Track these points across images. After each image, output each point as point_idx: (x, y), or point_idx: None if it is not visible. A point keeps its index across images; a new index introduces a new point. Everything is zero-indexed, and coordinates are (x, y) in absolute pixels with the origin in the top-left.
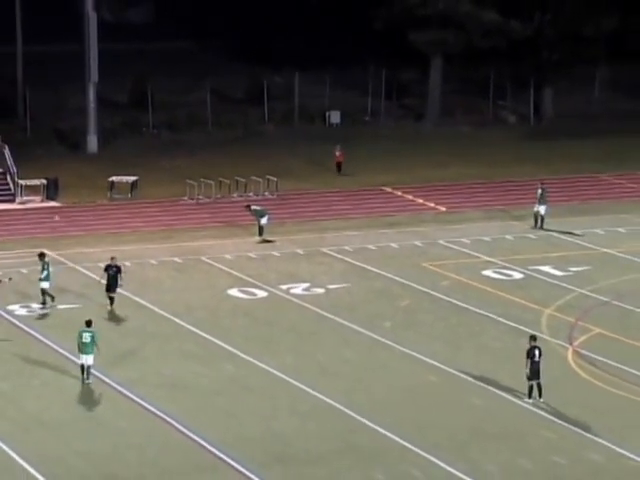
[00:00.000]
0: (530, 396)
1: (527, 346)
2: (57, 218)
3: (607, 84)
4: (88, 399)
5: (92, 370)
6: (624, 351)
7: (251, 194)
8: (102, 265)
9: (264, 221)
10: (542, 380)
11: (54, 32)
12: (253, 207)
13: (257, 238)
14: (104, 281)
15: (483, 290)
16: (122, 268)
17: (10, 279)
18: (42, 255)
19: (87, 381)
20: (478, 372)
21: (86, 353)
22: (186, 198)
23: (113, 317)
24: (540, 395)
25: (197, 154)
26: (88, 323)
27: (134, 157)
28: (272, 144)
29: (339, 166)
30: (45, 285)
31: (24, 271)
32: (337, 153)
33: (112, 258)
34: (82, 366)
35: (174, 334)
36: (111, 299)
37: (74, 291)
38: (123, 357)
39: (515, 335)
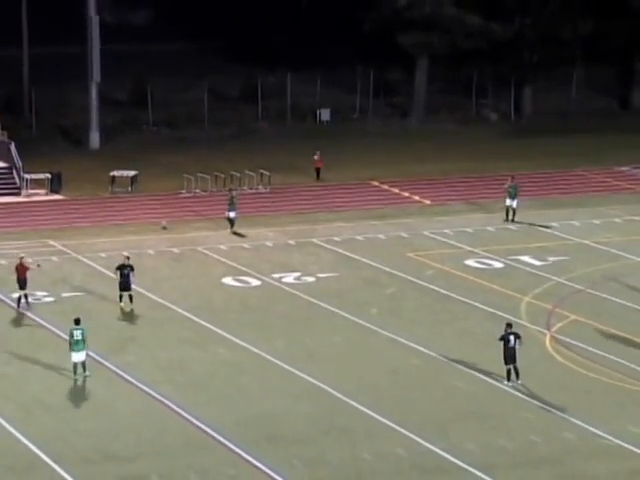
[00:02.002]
0: (509, 379)
1: (503, 333)
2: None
3: (583, 84)
4: (89, 382)
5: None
6: (598, 336)
7: (245, 188)
8: (104, 255)
9: (233, 214)
10: (520, 364)
11: (58, 34)
12: (235, 193)
13: (228, 230)
14: (116, 277)
15: (465, 279)
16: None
17: (39, 265)
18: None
19: (86, 374)
20: (460, 356)
21: (78, 350)
22: (184, 192)
23: (112, 304)
24: (517, 377)
25: (194, 150)
26: (77, 321)
27: (134, 153)
28: (266, 140)
29: (318, 172)
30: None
31: (30, 260)
32: (316, 158)
33: (127, 257)
34: (75, 365)
35: (171, 320)
36: (130, 297)
37: (77, 280)
38: (122, 342)
39: (495, 321)
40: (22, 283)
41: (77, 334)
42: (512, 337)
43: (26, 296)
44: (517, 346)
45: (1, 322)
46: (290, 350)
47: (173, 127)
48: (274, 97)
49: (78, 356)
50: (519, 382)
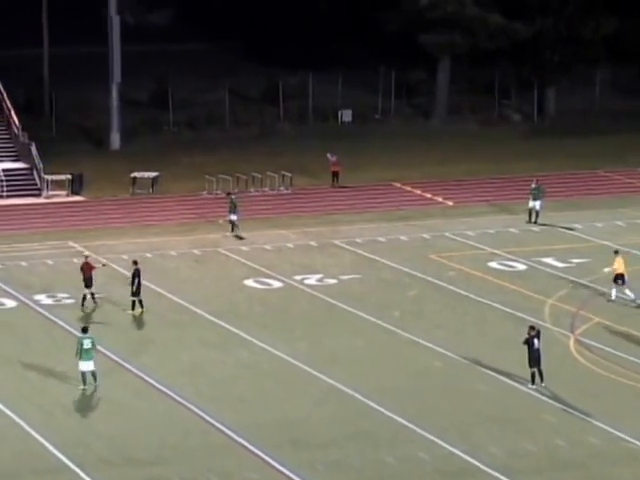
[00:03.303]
0: (533, 382)
1: (526, 336)
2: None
3: (607, 84)
4: (110, 385)
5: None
6: (622, 339)
7: (267, 189)
8: (125, 257)
9: (233, 217)
10: (544, 366)
11: (79, 34)
12: (233, 197)
13: (228, 234)
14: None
15: (488, 280)
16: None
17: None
18: None
19: (96, 384)
20: (482, 359)
21: (89, 359)
22: (205, 193)
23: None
24: (542, 380)
25: (215, 151)
26: (85, 329)
27: (155, 154)
28: (287, 141)
29: (336, 176)
30: None
31: (50, 262)
32: (332, 160)
33: (135, 262)
34: (83, 374)
35: (192, 322)
36: (141, 302)
37: (98, 282)
38: (143, 344)
39: (518, 324)
40: (88, 282)
41: (87, 343)
42: (535, 340)
43: (92, 295)
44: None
45: (23, 324)
46: (312, 352)
47: (194, 128)
48: (295, 98)
49: (87, 365)
50: (543, 385)
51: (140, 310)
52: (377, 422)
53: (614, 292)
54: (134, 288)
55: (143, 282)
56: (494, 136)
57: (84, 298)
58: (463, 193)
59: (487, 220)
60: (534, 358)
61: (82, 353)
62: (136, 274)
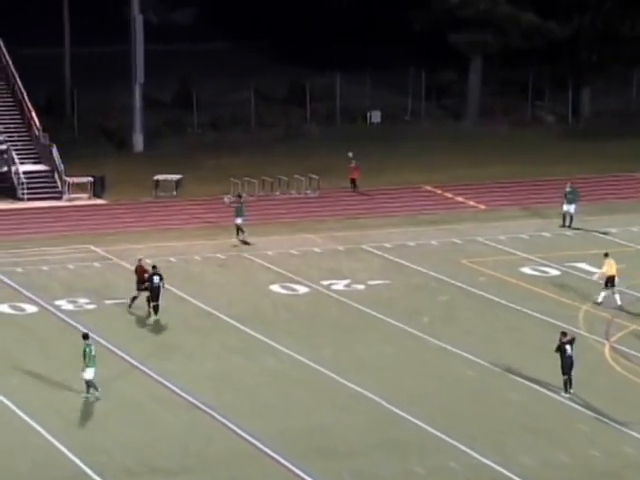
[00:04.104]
0: (566, 390)
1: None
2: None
3: None
4: (131, 392)
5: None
6: None
7: (293, 192)
8: (148, 261)
9: (239, 221)
10: (578, 374)
11: (101, 33)
12: (243, 198)
13: (234, 239)
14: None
15: (520, 286)
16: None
17: (154, 267)
18: None
19: (89, 394)
20: (515, 366)
21: (94, 366)
22: (230, 196)
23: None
24: (570, 386)
25: (240, 153)
26: (87, 336)
27: (178, 156)
28: (314, 143)
29: (354, 182)
30: None
31: (71, 267)
32: (352, 165)
33: (154, 266)
34: (88, 381)
35: (216, 328)
36: (155, 308)
37: (120, 287)
38: (166, 351)
39: (552, 330)
40: (141, 285)
41: (93, 349)
42: (568, 346)
43: (148, 298)
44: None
45: (43, 330)
46: (339, 360)
47: (218, 129)
48: (323, 98)
49: (92, 372)
50: (571, 392)
51: (154, 317)
52: (406, 431)
53: (602, 295)
54: (151, 293)
55: (168, 287)
56: (527, 138)
57: (133, 299)
58: (495, 196)
59: (520, 224)
60: (567, 365)
61: (90, 360)
62: (150, 279)
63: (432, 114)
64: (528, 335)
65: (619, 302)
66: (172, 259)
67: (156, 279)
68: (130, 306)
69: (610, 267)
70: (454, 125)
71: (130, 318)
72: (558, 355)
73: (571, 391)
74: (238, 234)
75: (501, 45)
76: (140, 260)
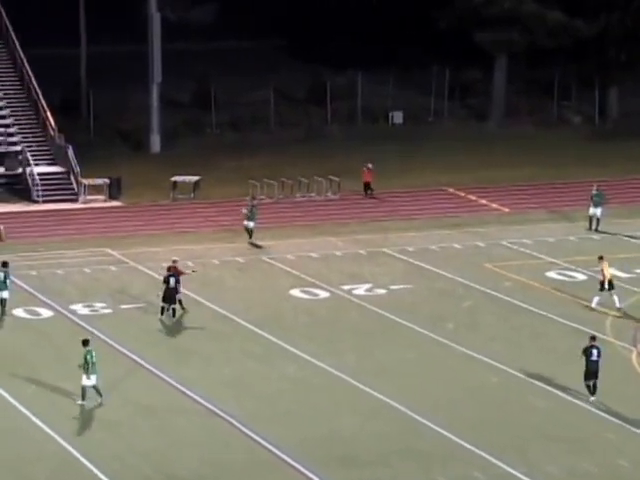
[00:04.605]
0: (592, 393)
1: (585, 345)
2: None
3: None
4: (149, 398)
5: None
6: None
7: (313, 194)
8: (165, 265)
9: (251, 223)
10: (604, 381)
11: (117, 32)
12: (255, 202)
13: (246, 242)
14: (160, 293)
15: (546, 291)
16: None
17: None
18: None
19: (84, 402)
20: (540, 373)
21: (95, 373)
22: (249, 198)
23: (175, 316)
24: (594, 393)
25: (259, 154)
26: (87, 342)
27: (197, 157)
28: (335, 144)
29: (367, 186)
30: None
31: (87, 270)
32: (365, 170)
33: (168, 268)
34: (85, 388)
35: (235, 333)
36: (173, 310)
37: (136, 291)
38: (183, 356)
39: (578, 336)
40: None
41: (94, 355)
42: (595, 351)
43: (180, 301)
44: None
45: (58, 335)
46: (361, 366)
47: (237, 130)
48: (344, 98)
49: (93, 379)
50: (593, 398)
51: (172, 319)
52: (429, 439)
53: (596, 300)
54: (165, 295)
55: (184, 291)
56: (553, 139)
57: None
58: (520, 199)
59: (545, 228)
60: (592, 371)
61: (91, 366)
62: (167, 279)
63: (456, 114)
64: (554, 341)
65: (618, 304)
66: (190, 263)
67: (172, 281)
68: (172, 311)
69: (606, 270)
70: (478, 125)
71: (146, 323)
72: (583, 359)
73: (592, 398)
74: (250, 237)
75: (527, 43)
76: (175, 261)
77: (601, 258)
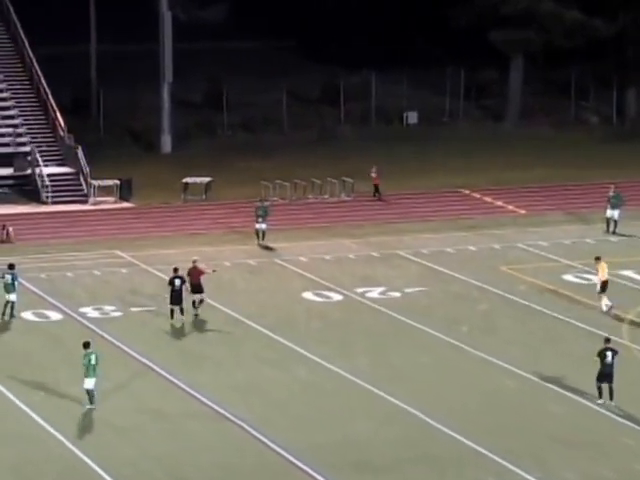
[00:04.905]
0: (601, 396)
1: (600, 347)
2: None
3: None
4: (160, 403)
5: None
6: None
7: (327, 196)
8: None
9: (263, 225)
10: (621, 386)
11: (128, 31)
12: (266, 204)
13: (259, 243)
14: (167, 296)
15: (563, 294)
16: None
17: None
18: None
19: (93, 406)
20: (557, 378)
21: (96, 376)
22: (267, 200)
23: (186, 319)
24: (611, 398)
25: (272, 155)
26: (88, 344)
27: (208, 158)
28: (348, 145)
29: (376, 188)
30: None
31: (96, 273)
32: (373, 175)
33: (176, 269)
34: (89, 391)
35: (247, 337)
36: (181, 310)
37: (147, 293)
38: (195, 360)
39: (595, 340)
40: (195, 288)
41: (93, 358)
42: (610, 353)
43: (201, 301)
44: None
45: (68, 338)
46: (375, 370)
47: (250, 131)
48: (357, 99)
49: (92, 382)
50: (612, 403)
51: (181, 317)
52: (443, 445)
53: (604, 302)
54: (172, 296)
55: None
56: (570, 140)
57: (193, 303)
58: (536, 201)
59: (562, 230)
60: (606, 373)
61: (90, 370)
62: (172, 281)
63: (471, 115)
64: (570, 345)
65: (605, 308)
66: (201, 265)
67: (177, 282)
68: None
69: (604, 271)
70: (494, 126)
71: (157, 326)
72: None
73: (612, 403)
74: (263, 238)
75: (544, 43)
76: (195, 261)
77: (598, 259)
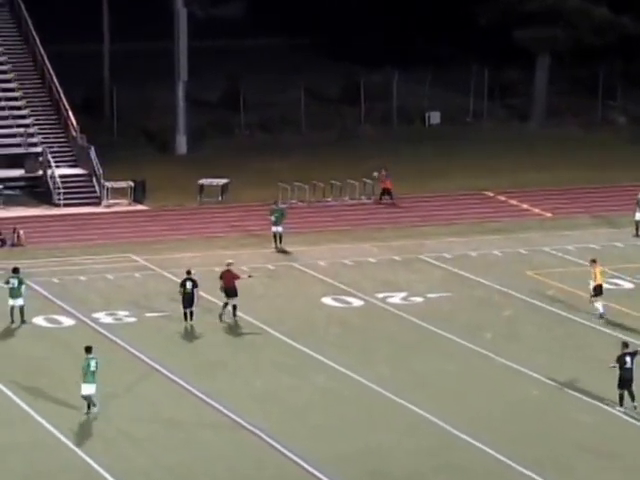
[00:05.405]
0: (621, 404)
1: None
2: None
3: None
4: (175, 411)
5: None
6: None
7: (347, 198)
8: (192, 271)
9: (280, 228)
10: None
11: (142, 28)
12: (280, 206)
13: (277, 246)
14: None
15: (590, 300)
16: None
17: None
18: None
19: (94, 410)
20: (584, 386)
21: (93, 382)
22: (280, 202)
23: (203, 326)
24: (633, 399)
25: (290, 156)
26: (89, 349)
27: (225, 159)
28: (369, 146)
29: (387, 192)
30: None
31: (110, 277)
32: (379, 175)
33: (188, 272)
34: (86, 397)
35: (265, 344)
36: (191, 314)
37: (162, 299)
38: (211, 368)
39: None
40: (229, 292)
41: (93, 364)
42: (629, 358)
43: (234, 307)
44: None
45: (80, 344)
46: (396, 378)
47: (267, 131)
48: (378, 98)
49: (91, 388)
50: (635, 405)
51: (190, 322)
52: (467, 454)
53: (599, 305)
54: (183, 299)
55: (214, 300)
56: (597, 141)
57: (224, 306)
58: (563, 203)
59: (589, 234)
60: (625, 378)
61: (88, 375)
62: (184, 283)
63: (495, 115)
64: (598, 352)
65: (601, 310)
66: (217, 269)
67: (189, 285)
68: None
69: (598, 275)
70: (519, 127)
71: (172, 332)
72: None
73: (634, 405)
74: (280, 242)
75: (570, 41)
76: (229, 264)
77: (594, 261)
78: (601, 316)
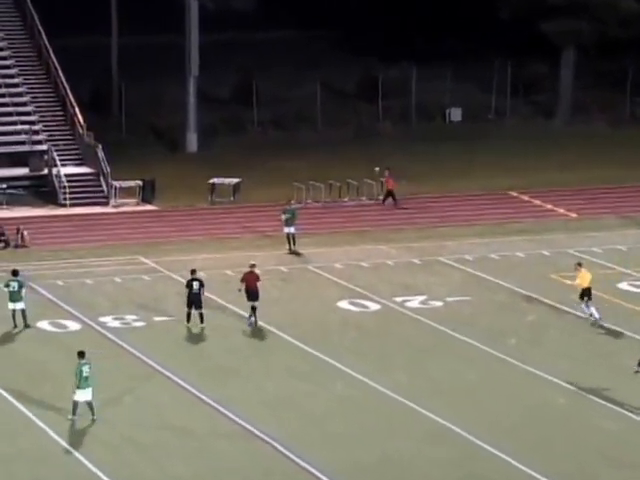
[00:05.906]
0: None
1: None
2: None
3: None
4: (184, 419)
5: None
6: None
7: (364, 198)
8: (202, 274)
9: (292, 229)
10: None
11: (151, 21)
12: (294, 206)
13: (291, 248)
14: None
15: (617, 304)
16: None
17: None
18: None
19: (94, 417)
20: (611, 393)
21: (87, 387)
22: (293, 202)
23: (214, 330)
24: None
25: (305, 154)
26: (82, 354)
27: (237, 157)
28: (387, 144)
29: (392, 196)
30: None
31: (117, 280)
32: (385, 178)
33: (193, 271)
34: (76, 404)
35: (279, 349)
36: (201, 316)
37: (171, 302)
38: (223, 374)
39: None
40: (251, 293)
41: (86, 370)
42: None
43: (254, 308)
44: None
45: (86, 349)
46: (415, 385)
47: (281, 128)
48: (397, 94)
49: (85, 394)
50: None
51: (201, 325)
52: (489, 464)
53: (593, 310)
54: (188, 300)
55: (224, 304)
56: (624, 138)
57: (253, 310)
58: (589, 204)
59: (616, 235)
60: None
61: (81, 381)
62: (189, 284)
63: (519, 112)
64: (624, 358)
65: (597, 316)
66: (229, 272)
67: (195, 285)
68: (251, 321)
69: (584, 278)
70: (543, 124)
71: (182, 336)
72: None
73: None
74: (295, 244)
75: (597, 34)
76: (252, 266)
77: (580, 265)
78: (591, 316)
